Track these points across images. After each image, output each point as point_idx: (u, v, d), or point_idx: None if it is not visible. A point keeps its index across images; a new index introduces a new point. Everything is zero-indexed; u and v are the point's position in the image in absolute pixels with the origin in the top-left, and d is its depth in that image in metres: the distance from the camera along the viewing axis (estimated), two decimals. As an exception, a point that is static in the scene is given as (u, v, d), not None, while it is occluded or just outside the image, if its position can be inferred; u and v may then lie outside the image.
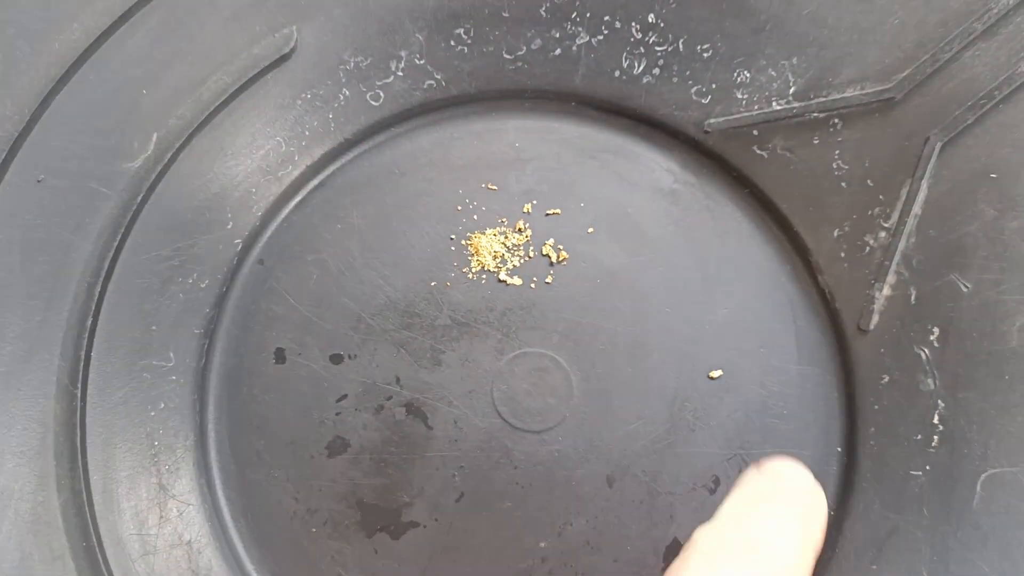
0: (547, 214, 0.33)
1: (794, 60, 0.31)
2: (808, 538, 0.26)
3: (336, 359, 0.33)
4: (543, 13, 0.32)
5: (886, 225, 0.30)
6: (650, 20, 0.32)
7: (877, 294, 0.31)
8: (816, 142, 0.31)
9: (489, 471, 0.32)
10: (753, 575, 0.24)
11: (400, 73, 0.33)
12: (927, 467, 0.29)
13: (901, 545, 0.29)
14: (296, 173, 0.34)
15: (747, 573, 0.24)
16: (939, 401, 0.29)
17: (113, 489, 0.31)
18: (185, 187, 0.32)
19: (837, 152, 0.31)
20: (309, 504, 0.32)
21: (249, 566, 0.32)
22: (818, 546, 0.26)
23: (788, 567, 0.25)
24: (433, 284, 0.33)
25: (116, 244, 0.31)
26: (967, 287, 0.29)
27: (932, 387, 0.30)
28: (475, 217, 0.33)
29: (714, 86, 0.32)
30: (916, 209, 0.30)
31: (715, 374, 0.32)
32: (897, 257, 0.30)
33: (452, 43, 0.33)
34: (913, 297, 0.30)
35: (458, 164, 0.34)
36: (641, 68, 0.33)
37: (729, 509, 0.27)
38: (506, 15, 0.33)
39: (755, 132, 0.32)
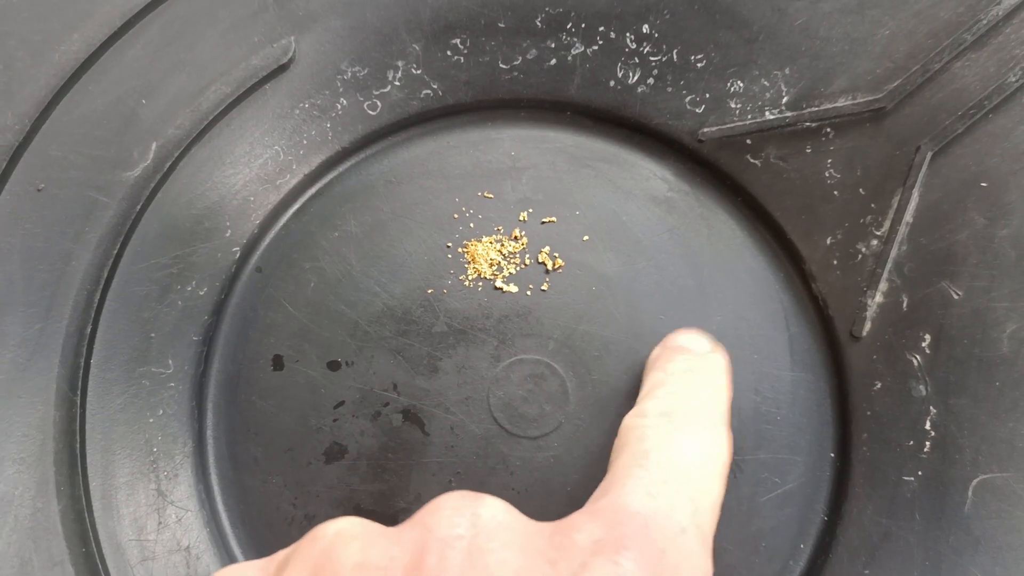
0: (543, 222, 0.34)
1: (787, 70, 0.31)
2: (720, 392, 0.27)
3: (334, 366, 0.33)
4: (539, 24, 0.33)
5: (878, 233, 0.31)
6: (644, 31, 0.32)
7: (869, 301, 0.31)
8: (808, 151, 0.31)
9: (485, 477, 0.32)
10: (690, 433, 0.25)
11: (397, 83, 0.34)
12: (919, 472, 0.29)
13: (894, 550, 0.29)
14: (294, 182, 0.34)
15: (685, 432, 0.25)
16: (931, 407, 0.29)
17: (112, 495, 0.31)
18: (184, 196, 0.32)
19: (829, 161, 0.31)
20: (307, 510, 0.32)
21: (247, 572, 0.32)
22: (730, 396, 0.27)
23: (714, 420, 0.26)
24: (430, 291, 0.33)
25: (115, 252, 0.31)
26: (958, 294, 0.29)
27: (924, 393, 0.30)
28: (471, 225, 0.34)
29: (708, 96, 0.32)
30: (907, 217, 0.30)
31: (709, 380, 0.32)
32: (889, 264, 0.30)
33: (448, 53, 0.33)
34: (905, 304, 0.30)
35: (454, 173, 0.34)
36: (636, 78, 0.33)
37: (648, 390, 0.28)
38: (502, 26, 0.33)
39: (748, 141, 0.32)
